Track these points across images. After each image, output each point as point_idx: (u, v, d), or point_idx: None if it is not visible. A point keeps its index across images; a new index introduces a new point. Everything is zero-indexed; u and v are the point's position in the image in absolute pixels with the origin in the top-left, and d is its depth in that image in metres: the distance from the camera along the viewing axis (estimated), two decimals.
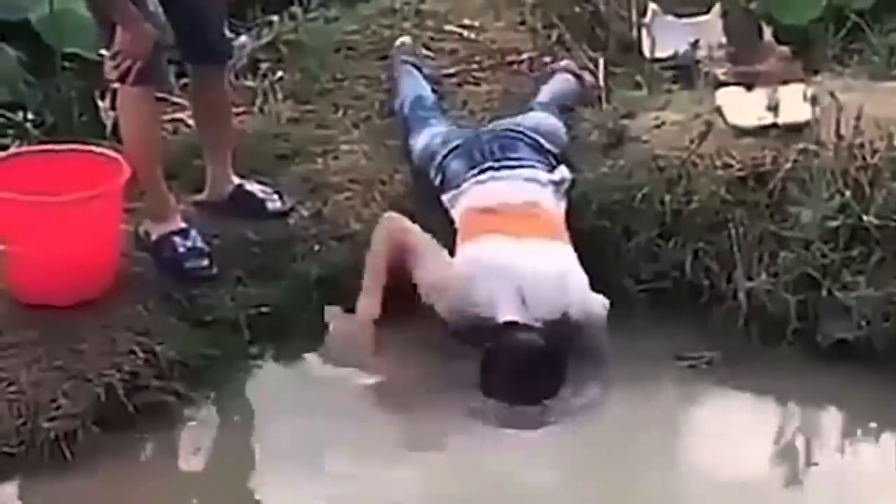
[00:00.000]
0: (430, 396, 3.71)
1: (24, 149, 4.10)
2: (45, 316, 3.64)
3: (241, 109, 4.46)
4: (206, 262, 3.87)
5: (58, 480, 3.38)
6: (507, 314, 3.69)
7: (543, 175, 4.07)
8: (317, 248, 4.04)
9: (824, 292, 3.89)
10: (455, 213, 4.04)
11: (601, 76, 4.66)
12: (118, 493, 3.42)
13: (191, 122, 4.31)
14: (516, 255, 3.79)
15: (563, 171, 4.11)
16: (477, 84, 4.67)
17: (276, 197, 4.12)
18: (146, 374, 3.61)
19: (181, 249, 3.86)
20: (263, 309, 3.88)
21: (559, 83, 4.52)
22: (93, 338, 3.61)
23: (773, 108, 4.17)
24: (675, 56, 4.74)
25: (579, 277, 3.80)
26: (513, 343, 3.65)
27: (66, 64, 4.45)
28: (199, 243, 3.88)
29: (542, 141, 4.17)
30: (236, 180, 4.11)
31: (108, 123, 4.31)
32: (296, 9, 4.98)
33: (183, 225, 3.90)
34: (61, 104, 4.38)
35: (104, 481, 3.42)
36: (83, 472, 3.41)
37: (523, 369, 3.62)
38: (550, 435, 3.62)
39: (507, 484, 3.44)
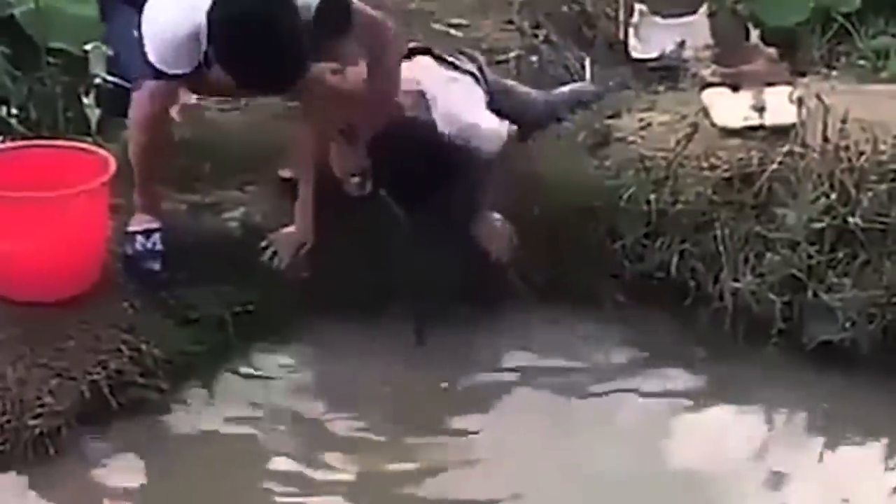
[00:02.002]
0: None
1: (8, 144, 4.07)
2: (30, 313, 3.63)
3: (226, 106, 4.45)
4: (157, 266, 3.84)
5: (42, 477, 3.37)
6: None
7: None
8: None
9: (809, 294, 3.90)
10: None
11: (588, 76, 4.66)
12: (102, 491, 3.42)
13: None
14: (439, 75, 3.97)
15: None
16: None
17: None
18: (131, 371, 3.61)
19: (139, 248, 3.84)
20: (249, 307, 3.88)
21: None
22: (78, 335, 3.60)
23: (760, 109, 4.18)
24: (661, 56, 4.75)
25: (489, 114, 3.94)
26: (407, 130, 3.80)
27: (51, 59, 4.42)
28: (158, 246, 3.85)
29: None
30: None
31: (93, 119, 4.29)
32: None
33: (154, 225, 3.88)
34: (46, 99, 4.34)
35: (88, 479, 3.42)
36: (68, 470, 3.40)
37: (412, 156, 3.74)
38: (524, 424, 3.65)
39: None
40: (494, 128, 3.96)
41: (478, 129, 3.91)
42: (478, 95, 4.08)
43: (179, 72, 3.70)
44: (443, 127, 3.88)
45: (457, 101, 3.96)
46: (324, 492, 3.43)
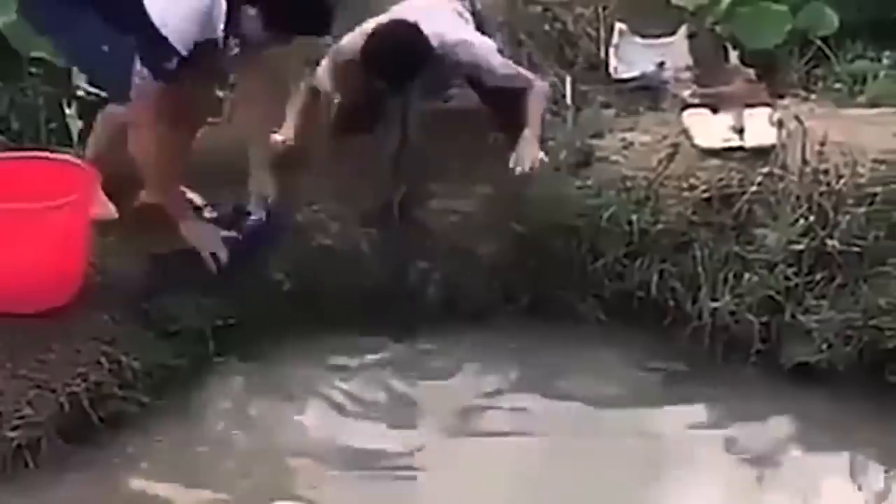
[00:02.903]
0: None
1: None
2: (10, 324, 3.61)
3: (213, 120, 4.45)
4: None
5: (21, 490, 3.36)
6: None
7: None
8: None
9: (787, 315, 3.94)
10: None
11: (569, 95, 4.68)
12: (81, 503, 3.40)
13: None
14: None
15: None
16: (445, 101, 4.68)
17: None
18: (111, 383, 3.61)
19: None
20: (230, 320, 3.88)
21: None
22: (58, 347, 3.60)
23: (739, 130, 4.22)
24: (641, 77, 4.77)
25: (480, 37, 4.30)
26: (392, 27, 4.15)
27: (33, 70, 4.42)
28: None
29: None
30: None
31: (75, 131, 4.28)
32: None
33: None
34: (28, 110, 4.35)
35: (67, 491, 3.41)
36: (46, 482, 3.39)
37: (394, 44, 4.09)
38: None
39: None
40: (487, 43, 4.27)
41: (467, 44, 4.22)
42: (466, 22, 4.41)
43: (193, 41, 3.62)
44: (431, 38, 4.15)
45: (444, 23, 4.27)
46: None
